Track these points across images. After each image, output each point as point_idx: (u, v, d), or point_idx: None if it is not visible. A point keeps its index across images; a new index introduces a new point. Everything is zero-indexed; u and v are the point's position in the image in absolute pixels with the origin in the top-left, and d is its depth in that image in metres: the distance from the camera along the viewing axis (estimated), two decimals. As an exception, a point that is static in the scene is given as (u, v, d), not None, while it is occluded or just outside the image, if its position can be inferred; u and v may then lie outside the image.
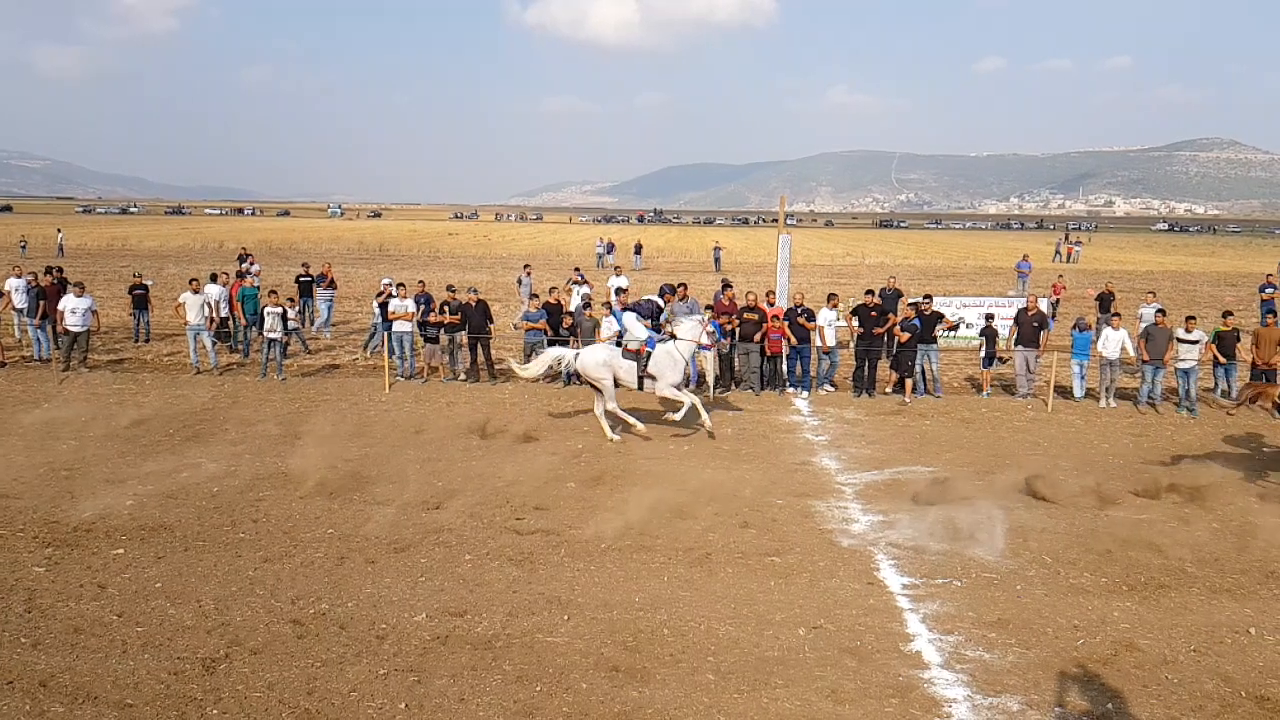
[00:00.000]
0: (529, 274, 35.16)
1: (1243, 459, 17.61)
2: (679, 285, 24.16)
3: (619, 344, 22.15)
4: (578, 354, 19.06)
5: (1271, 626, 10.61)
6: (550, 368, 19.78)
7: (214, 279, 27.51)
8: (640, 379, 18.48)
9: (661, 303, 19.70)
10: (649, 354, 18.41)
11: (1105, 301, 30.06)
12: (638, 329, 18.64)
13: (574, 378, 20.58)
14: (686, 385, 18.72)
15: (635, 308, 19.35)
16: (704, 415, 18.72)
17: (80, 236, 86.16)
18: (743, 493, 15.04)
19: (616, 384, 18.70)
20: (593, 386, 19.00)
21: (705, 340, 19.03)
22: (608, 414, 18.62)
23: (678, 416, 18.34)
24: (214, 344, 25.01)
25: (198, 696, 8.86)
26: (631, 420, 18.50)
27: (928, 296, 23.74)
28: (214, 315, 26.02)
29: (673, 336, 18.71)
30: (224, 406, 20.58)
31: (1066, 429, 19.77)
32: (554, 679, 9.25)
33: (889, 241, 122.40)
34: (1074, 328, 23.13)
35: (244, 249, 48.52)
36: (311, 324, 29.81)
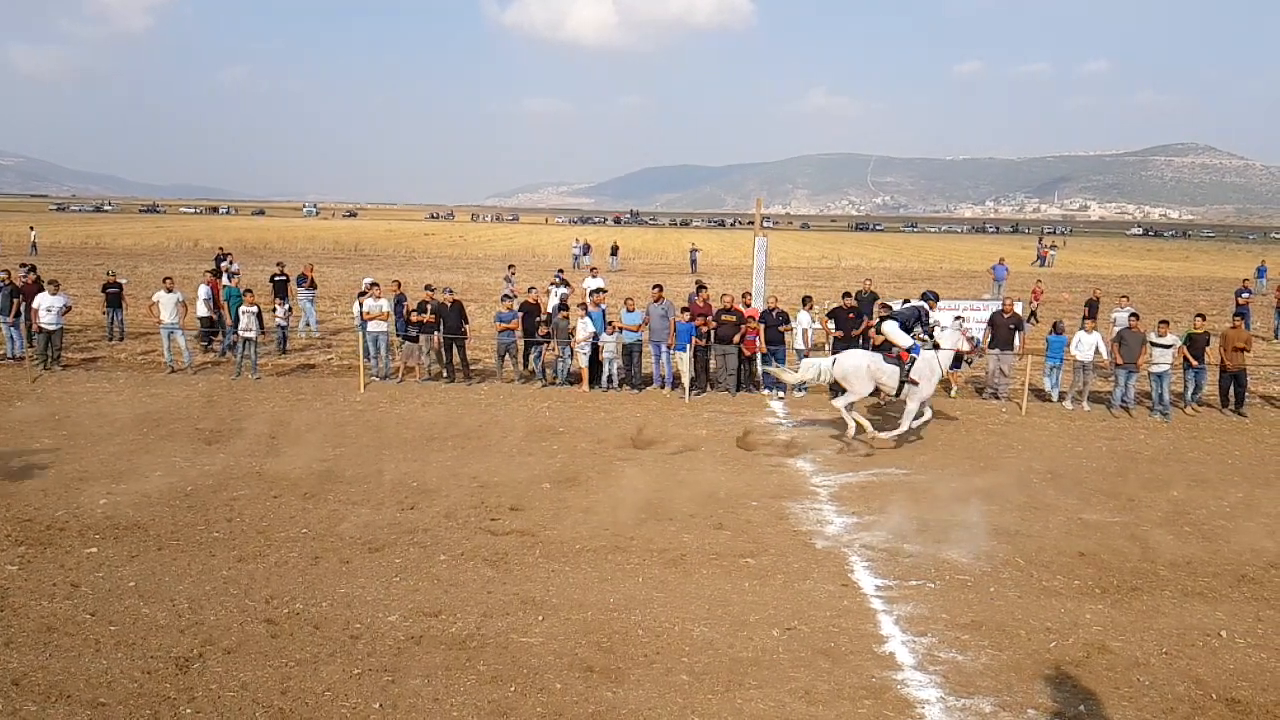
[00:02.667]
0: (513, 273, 35.18)
1: (1214, 461, 17.75)
2: (656, 286, 24.18)
3: (595, 344, 22.19)
4: (835, 360, 18.81)
5: (1243, 630, 10.69)
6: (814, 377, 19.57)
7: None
8: (902, 384, 18.30)
9: (926, 308, 19.28)
10: (913, 360, 18.23)
11: (1092, 307, 30.16)
12: (900, 337, 18.41)
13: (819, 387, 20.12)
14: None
15: (896, 315, 19.05)
16: (896, 435, 18.48)
17: (54, 234, 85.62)
18: (718, 494, 15.07)
19: (877, 390, 18.71)
20: (837, 387, 18.90)
21: (964, 346, 19.21)
22: (833, 410, 18.60)
23: (888, 433, 18.36)
24: (191, 343, 25.01)
25: (171, 696, 8.85)
26: (851, 421, 18.37)
27: (906, 300, 23.79)
28: (211, 315, 26.25)
29: (935, 346, 18.61)
30: (198, 405, 20.51)
31: (1040, 432, 19.84)
32: (528, 679, 9.27)
33: (865, 244, 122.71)
34: (1051, 331, 23.23)
35: (221, 248, 48.43)
36: (276, 325, 29.72)
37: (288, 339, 27.64)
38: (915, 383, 18.18)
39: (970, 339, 19.57)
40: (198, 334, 26.72)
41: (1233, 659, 10.00)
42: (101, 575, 11.54)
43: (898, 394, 18.48)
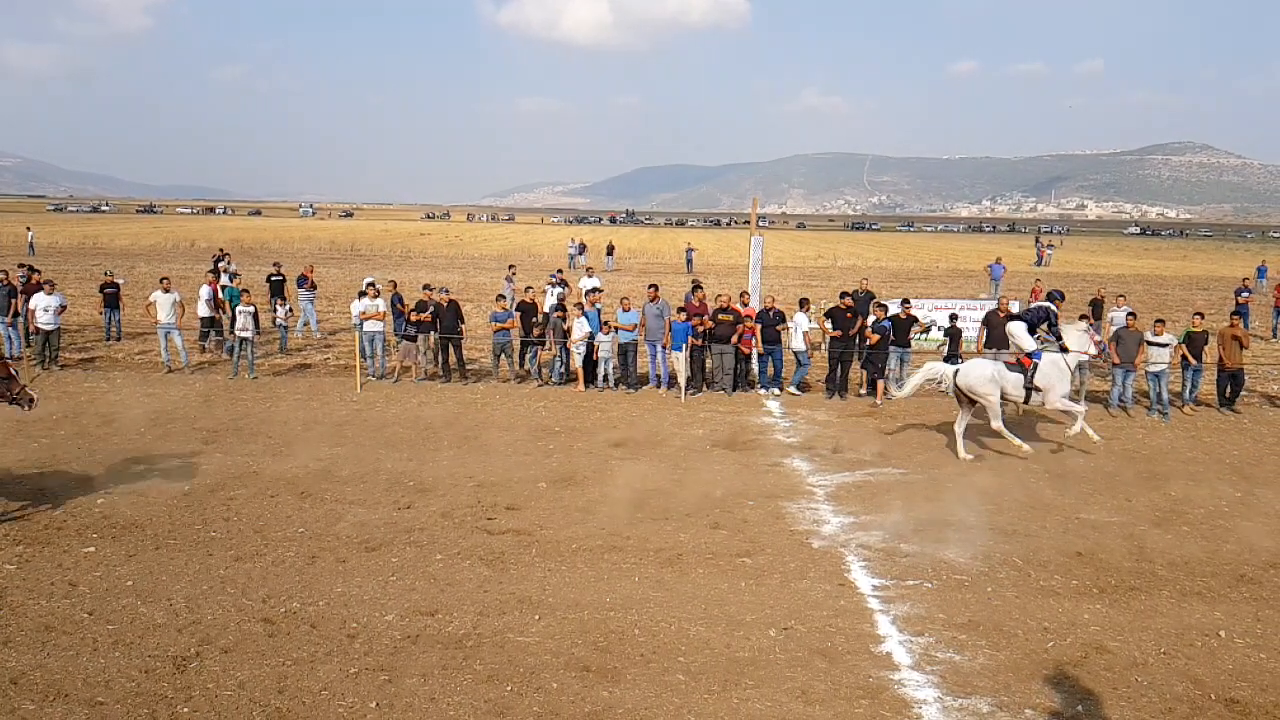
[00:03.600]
0: (514, 273, 35.23)
1: (1212, 460, 17.75)
2: (651, 286, 24.18)
3: (590, 344, 22.16)
4: (958, 369, 18.32)
5: (1241, 630, 10.68)
6: (926, 384, 19.13)
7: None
8: (1027, 392, 17.82)
9: (1054, 309, 18.64)
10: (1035, 365, 17.73)
11: (1097, 307, 30.17)
12: (1025, 340, 17.95)
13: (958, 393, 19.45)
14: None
15: (1025, 316, 18.59)
16: (1089, 430, 17.80)
17: (51, 235, 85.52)
18: (714, 494, 15.07)
19: (1003, 398, 18.05)
20: (965, 400, 18.22)
21: (1092, 350, 18.66)
22: (994, 432, 18.00)
23: (1072, 431, 17.79)
24: (188, 343, 25.05)
25: (169, 695, 8.84)
26: (1015, 440, 17.81)
27: (906, 300, 23.79)
28: (212, 315, 26.36)
29: (1063, 349, 18.09)
30: (195, 405, 20.50)
31: (1038, 431, 19.80)
32: (525, 678, 9.26)
33: (861, 244, 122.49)
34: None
35: (221, 249, 48.61)
36: (275, 324, 29.72)
37: (288, 339, 27.72)
38: (1039, 389, 17.74)
39: (1098, 343, 19.14)
40: (201, 333, 26.76)
41: (1231, 659, 10.00)
42: (99, 574, 11.55)
43: (1026, 401, 18.08)
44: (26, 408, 13.16)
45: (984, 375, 17.89)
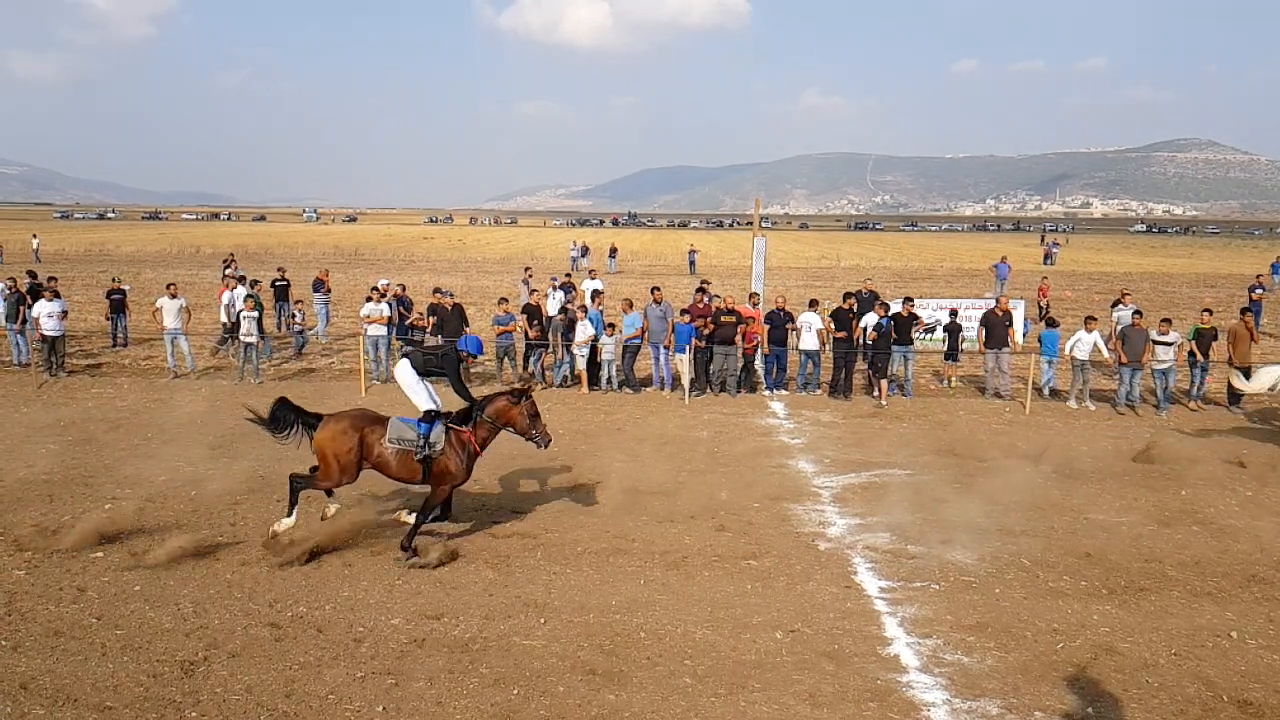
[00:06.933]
0: (530, 275, 35.26)
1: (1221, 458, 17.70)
2: (654, 289, 24.17)
3: (592, 348, 22.15)
4: None
5: (1253, 630, 10.63)
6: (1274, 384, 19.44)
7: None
8: None
9: None
10: None
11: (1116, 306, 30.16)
12: None
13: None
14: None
15: None
16: None
17: (58, 242, 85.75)
18: (719, 495, 15.05)
19: None
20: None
21: None
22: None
23: None
24: (221, 346, 25.22)
25: (176, 699, 8.84)
26: None
27: (909, 299, 23.79)
28: (227, 320, 26.42)
29: None
30: (201, 410, 20.50)
31: (1045, 431, 19.78)
32: (531, 682, 9.25)
33: (864, 244, 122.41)
34: (1045, 327, 23.29)
35: (231, 255, 48.89)
36: (291, 329, 29.77)
37: (306, 342, 27.81)
38: None
39: None
40: (221, 339, 26.81)
41: (1244, 660, 9.95)
42: (107, 579, 11.54)
43: None
44: (543, 446, 13.21)
45: None
